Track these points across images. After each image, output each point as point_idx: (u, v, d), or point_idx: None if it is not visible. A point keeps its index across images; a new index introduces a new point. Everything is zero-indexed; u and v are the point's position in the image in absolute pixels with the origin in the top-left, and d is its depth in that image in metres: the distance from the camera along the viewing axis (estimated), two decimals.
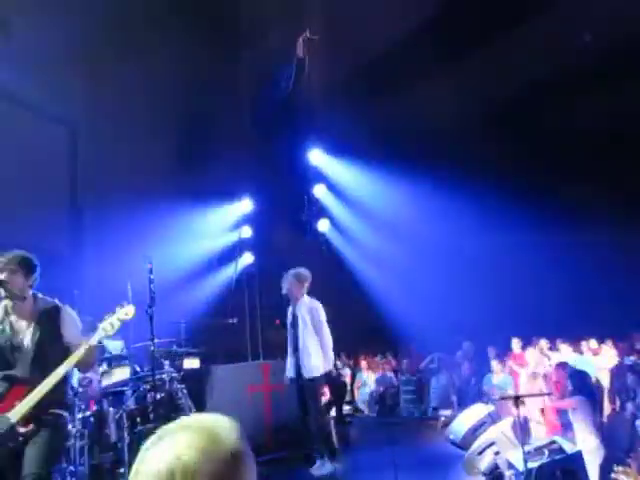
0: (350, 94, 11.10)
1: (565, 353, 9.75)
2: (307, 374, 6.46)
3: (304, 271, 6.92)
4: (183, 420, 1.26)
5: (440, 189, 10.51)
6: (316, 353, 6.52)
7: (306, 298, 6.81)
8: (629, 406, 6.33)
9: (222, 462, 1.17)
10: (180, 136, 10.86)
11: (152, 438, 1.22)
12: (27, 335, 3.69)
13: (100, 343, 5.65)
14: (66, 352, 3.70)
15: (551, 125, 12.01)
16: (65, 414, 3.83)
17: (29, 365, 3.64)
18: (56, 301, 3.88)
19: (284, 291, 6.85)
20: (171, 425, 1.25)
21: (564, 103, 11.43)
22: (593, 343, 9.65)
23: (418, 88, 11.64)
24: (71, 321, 3.84)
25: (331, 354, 6.62)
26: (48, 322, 3.74)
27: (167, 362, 6.39)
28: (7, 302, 3.72)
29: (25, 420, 3.53)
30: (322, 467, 6.44)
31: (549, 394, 7.03)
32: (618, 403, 7.86)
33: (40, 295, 3.85)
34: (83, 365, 3.83)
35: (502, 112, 12.10)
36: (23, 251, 3.78)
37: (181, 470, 1.14)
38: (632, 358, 6.90)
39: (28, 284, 3.75)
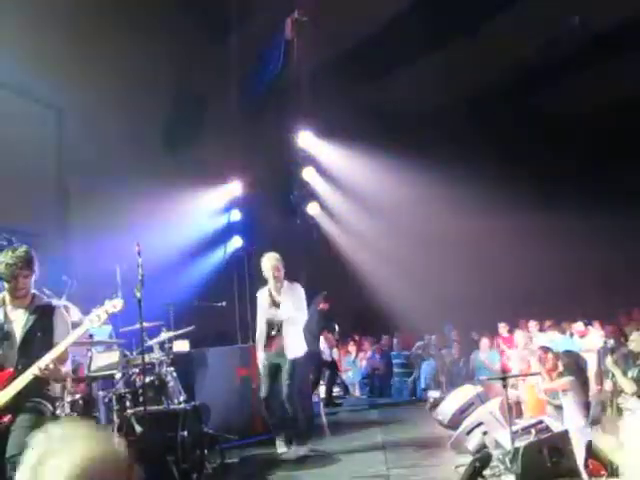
0: (339, 76, 11.01)
1: (553, 335, 9.86)
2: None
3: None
4: (64, 432, 1.28)
5: (428, 172, 10.50)
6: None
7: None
8: (607, 386, 6.43)
9: (119, 467, 1.24)
10: (168, 119, 10.75)
11: (39, 453, 1.22)
12: (19, 325, 3.81)
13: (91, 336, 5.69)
14: (52, 348, 3.76)
15: (534, 109, 12.05)
16: (47, 404, 3.83)
17: (16, 353, 3.73)
18: (52, 301, 4.10)
19: (274, 273, 6.52)
20: (54, 436, 1.26)
21: (552, 87, 11.45)
22: (580, 325, 9.76)
23: (407, 71, 11.58)
24: (63, 321, 3.98)
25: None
26: (41, 317, 3.87)
27: (156, 345, 6.36)
28: (6, 293, 3.85)
29: (5, 409, 3.56)
30: (290, 451, 6.30)
31: (537, 374, 7.11)
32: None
33: (37, 293, 4.01)
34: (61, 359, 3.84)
35: (487, 96, 12.12)
36: (27, 247, 3.87)
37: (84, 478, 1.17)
38: (611, 340, 6.98)
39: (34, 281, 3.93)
